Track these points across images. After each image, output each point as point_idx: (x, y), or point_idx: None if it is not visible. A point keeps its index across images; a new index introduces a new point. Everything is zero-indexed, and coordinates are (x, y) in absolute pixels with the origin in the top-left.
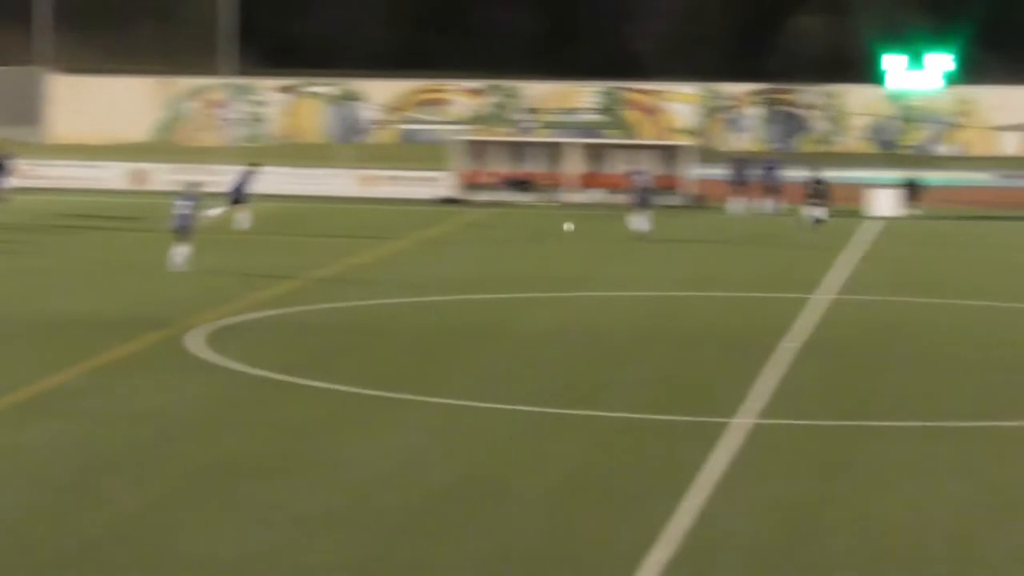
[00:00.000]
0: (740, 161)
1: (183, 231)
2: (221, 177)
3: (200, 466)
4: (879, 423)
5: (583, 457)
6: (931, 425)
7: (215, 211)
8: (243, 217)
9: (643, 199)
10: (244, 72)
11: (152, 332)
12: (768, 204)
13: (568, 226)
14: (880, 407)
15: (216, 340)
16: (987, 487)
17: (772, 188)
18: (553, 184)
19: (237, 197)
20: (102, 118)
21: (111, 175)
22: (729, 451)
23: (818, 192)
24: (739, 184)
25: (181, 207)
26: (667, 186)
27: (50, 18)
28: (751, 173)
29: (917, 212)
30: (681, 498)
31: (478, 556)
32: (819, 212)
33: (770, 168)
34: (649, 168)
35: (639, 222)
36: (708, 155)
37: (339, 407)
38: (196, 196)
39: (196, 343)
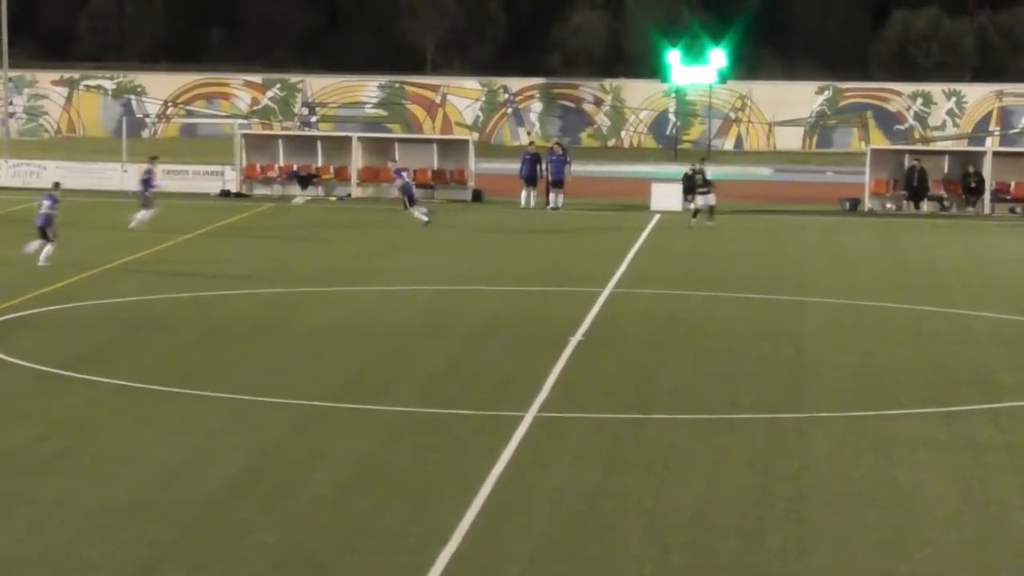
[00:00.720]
0: (531, 155)
1: (41, 230)
2: None
3: None
4: (663, 416)
5: (372, 452)
6: (715, 418)
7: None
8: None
9: (407, 194)
10: (20, 64)
11: None
12: (556, 198)
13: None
14: (664, 400)
15: None
16: (773, 479)
17: (558, 182)
18: (336, 178)
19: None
20: None
21: None
22: (516, 445)
23: (704, 182)
24: (528, 178)
25: (46, 207)
26: (452, 180)
27: None
28: (540, 167)
29: (696, 206)
30: (470, 492)
31: (266, 551)
32: (706, 200)
33: (542, 161)
34: (406, 164)
35: (418, 214)
36: (491, 150)
37: (123, 402)
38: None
39: None
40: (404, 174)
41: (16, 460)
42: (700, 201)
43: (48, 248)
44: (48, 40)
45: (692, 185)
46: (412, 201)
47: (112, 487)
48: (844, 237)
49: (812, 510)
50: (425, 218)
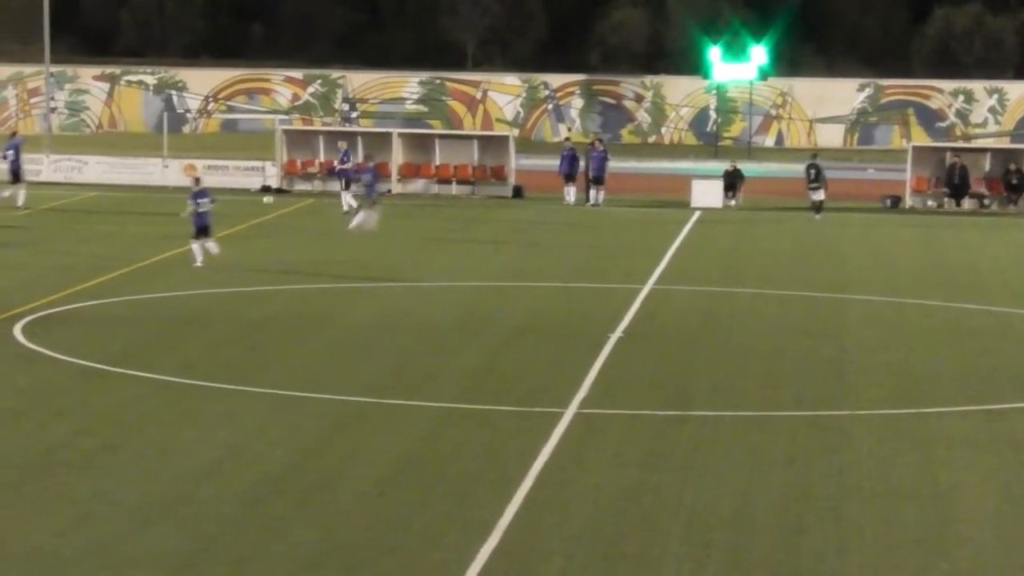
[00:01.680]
0: (571, 152)
1: (204, 229)
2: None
3: (22, 457)
4: (703, 413)
5: (411, 448)
6: (754, 415)
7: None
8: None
9: (347, 183)
10: (62, 60)
11: None
12: (596, 194)
13: (268, 200)
14: (704, 397)
15: (38, 330)
16: (812, 477)
17: (598, 179)
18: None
19: None
20: None
21: None
22: (556, 441)
23: (816, 177)
24: (568, 174)
25: (203, 204)
26: (492, 176)
27: None
28: (581, 164)
29: (736, 203)
30: (510, 488)
31: (305, 547)
32: (815, 195)
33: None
34: (350, 153)
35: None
36: (531, 146)
37: (164, 397)
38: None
39: (17, 333)
40: (346, 157)
41: (58, 455)
42: (813, 196)
43: (212, 245)
44: (90, 35)
45: (732, 181)
46: (348, 186)
47: (153, 483)
48: (885, 234)
49: (852, 508)
50: (353, 203)
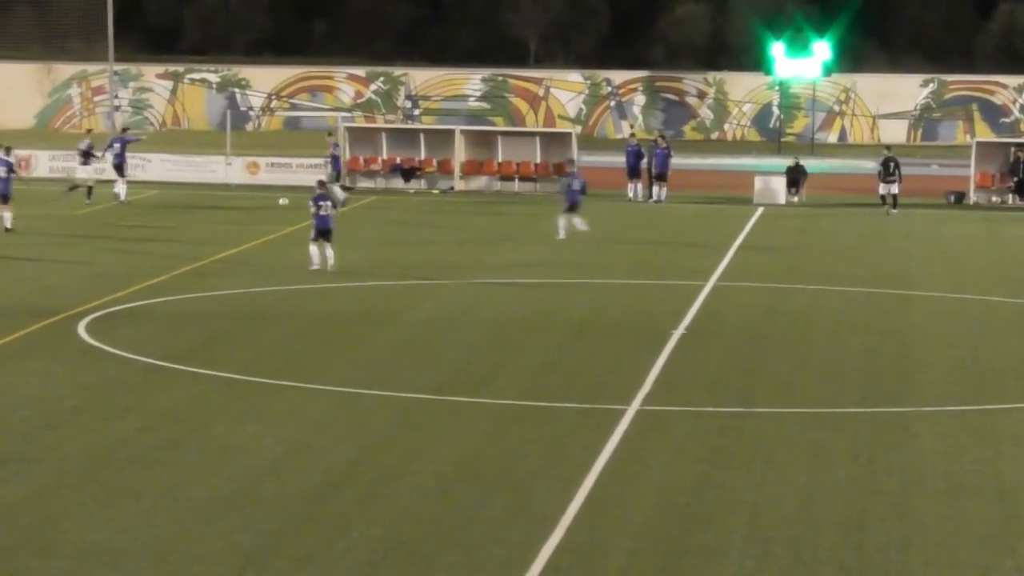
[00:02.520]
0: (636, 148)
1: (325, 232)
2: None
3: (87, 454)
4: (766, 409)
5: (475, 444)
6: (818, 411)
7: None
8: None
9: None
10: (126, 58)
11: (37, 320)
12: (659, 191)
13: (283, 201)
14: (767, 393)
15: (103, 328)
16: (876, 473)
17: (661, 175)
18: (439, 171)
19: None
20: None
21: None
22: (619, 438)
23: (892, 171)
24: (633, 171)
25: (324, 207)
26: (554, 173)
27: None
28: (645, 160)
29: (799, 200)
30: (573, 484)
31: (369, 543)
32: (889, 189)
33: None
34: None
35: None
36: (593, 142)
37: (227, 394)
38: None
39: (82, 331)
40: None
41: (122, 452)
42: (883, 189)
43: (329, 252)
44: (153, 34)
45: (795, 178)
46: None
47: (216, 479)
48: (949, 230)
49: (916, 504)
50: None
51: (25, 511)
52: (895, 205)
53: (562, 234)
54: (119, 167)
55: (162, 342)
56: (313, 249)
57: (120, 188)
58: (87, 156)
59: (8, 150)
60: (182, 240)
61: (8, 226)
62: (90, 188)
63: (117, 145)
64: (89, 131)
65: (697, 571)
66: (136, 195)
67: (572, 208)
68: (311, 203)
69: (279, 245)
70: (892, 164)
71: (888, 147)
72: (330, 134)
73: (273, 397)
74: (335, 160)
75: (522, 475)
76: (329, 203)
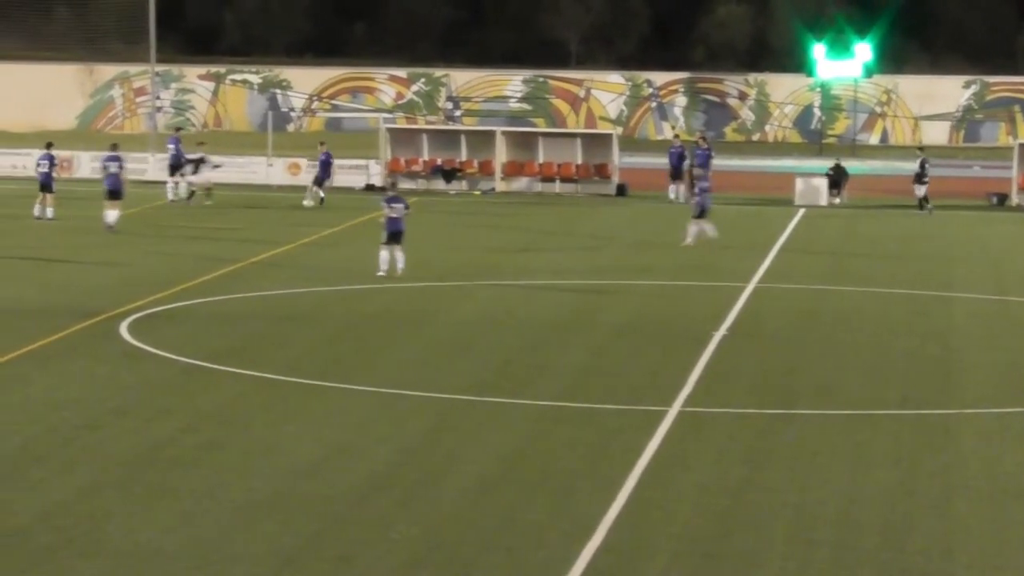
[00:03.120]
0: (679, 149)
1: (396, 235)
2: (142, 165)
3: (128, 454)
4: (808, 411)
5: (515, 445)
6: (859, 413)
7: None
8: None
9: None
10: (167, 59)
11: (79, 321)
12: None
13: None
14: (808, 395)
15: (144, 328)
16: (918, 475)
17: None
18: (480, 172)
19: None
20: (23, 106)
21: (34, 163)
22: (660, 439)
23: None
24: (676, 172)
25: (396, 209)
26: (596, 174)
27: None
28: (687, 162)
29: (840, 201)
30: (614, 486)
31: (409, 544)
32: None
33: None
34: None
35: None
36: (635, 144)
37: (268, 395)
38: (404, 200)
39: (123, 332)
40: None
41: (163, 452)
42: (924, 191)
43: (399, 255)
44: (195, 35)
45: (837, 179)
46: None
47: (257, 480)
48: (991, 232)
49: (958, 507)
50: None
51: (67, 511)
52: (922, 207)
53: (690, 240)
54: (175, 167)
55: (203, 343)
56: (384, 254)
57: (181, 186)
58: (198, 165)
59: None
60: (223, 241)
61: (110, 222)
62: (192, 193)
63: (172, 146)
64: (201, 144)
65: (738, 573)
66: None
67: (702, 214)
68: (384, 205)
69: (320, 246)
70: (928, 165)
71: (921, 148)
72: (322, 143)
73: (314, 398)
74: (325, 166)
75: (563, 476)
76: (401, 205)
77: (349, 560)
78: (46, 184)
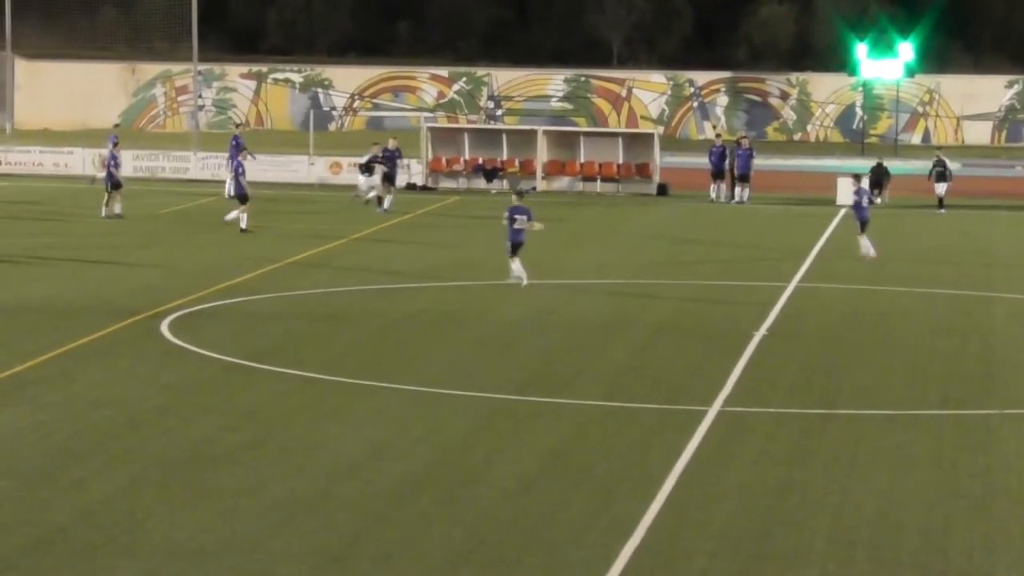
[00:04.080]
0: (721, 148)
1: (517, 247)
2: (184, 164)
3: (168, 453)
4: (848, 411)
5: (556, 445)
6: (900, 413)
7: None
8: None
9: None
10: (209, 58)
11: (120, 319)
12: (741, 192)
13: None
14: (849, 395)
15: (184, 327)
16: (959, 476)
17: (744, 176)
18: (522, 172)
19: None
20: (66, 104)
21: (77, 161)
22: (700, 439)
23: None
24: (718, 172)
25: (519, 220)
26: (637, 174)
27: (10, 2)
28: (728, 161)
29: (882, 201)
30: (654, 486)
31: (450, 543)
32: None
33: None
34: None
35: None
36: (676, 143)
37: (309, 394)
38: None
39: (164, 330)
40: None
41: (204, 451)
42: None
43: (517, 266)
44: (237, 34)
45: (879, 179)
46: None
47: (298, 479)
48: None
49: (1000, 507)
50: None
51: (108, 509)
52: (941, 205)
53: (872, 252)
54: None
55: (244, 341)
56: (515, 265)
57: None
58: (368, 168)
59: (115, 144)
60: (264, 239)
61: (243, 227)
62: (379, 198)
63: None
64: (376, 144)
65: (778, 574)
66: (220, 194)
67: (864, 226)
68: (507, 215)
69: (361, 245)
70: (943, 165)
71: (939, 148)
72: (375, 143)
73: (354, 397)
74: (390, 161)
75: (603, 476)
76: (525, 216)
77: (390, 559)
78: (115, 182)
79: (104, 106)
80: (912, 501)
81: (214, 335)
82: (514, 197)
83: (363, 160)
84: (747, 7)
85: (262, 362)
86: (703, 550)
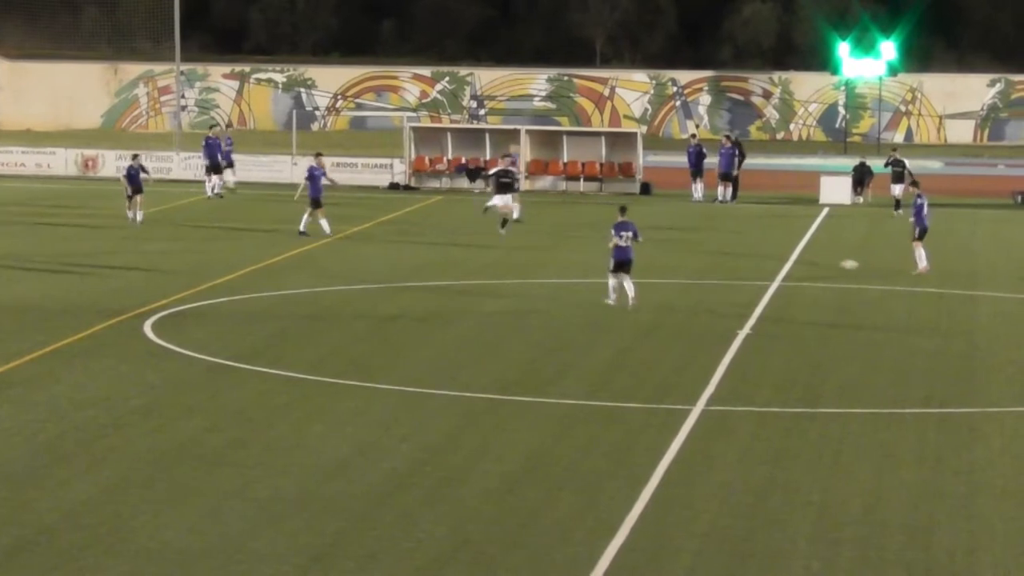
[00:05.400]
0: (697, 148)
1: (624, 264)
2: (166, 164)
3: (153, 453)
4: (832, 410)
5: (540, 444)
6: (884, 412)
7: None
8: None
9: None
10: (192, 58)
11: (104, 320)
12: (723, 191)
13: (850, 264)
14: (833, 394)
15: (168, 327)
16: (943, 475)
17: (727, 175)
18: None
19: None
20: (48, 104)
21: (59, 162)
22: (684, 438)
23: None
24: (696, 171)
25: (624, 237)
26: (620, 173)
27: None
28: (707, 161)
29: (864, 200)
30: (638, 485)
31: (434, 543)
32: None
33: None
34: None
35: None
36: (659, 142)
37: (293, 394)
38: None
39: (148, 331)
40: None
41: (188, 451)
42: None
43: (629, 285)
44: (220, 34)
45: (861, 177)
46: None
47: (282, 478)
48: (1015, 231)
49: (984, 506)
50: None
51: (93, 510)
52: (898, 206)
53: (925, 264)
54: (228, 166)
55: (228, 342)
56: (613, 282)
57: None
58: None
59: (317, 155)
60: (248, 239)
61: (327, 231)
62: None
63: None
64: (506, 155)
65: (763, 572)
66: (202, 195)
67: (922, 234)
68: (612, 231)
69: (344, 245)
70: (902, 165)
71: (895, 147)
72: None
73: (339, 397)
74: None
75: (588, 475)
76: (630, 233)
77: (375, 558)
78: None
79: (86, 106)
80: (896, 499)
81: (198, 335)
82: (618, 213)
83: (490, 172)
84: (730, 6)
85: (246, 362)
86: (688, 549)
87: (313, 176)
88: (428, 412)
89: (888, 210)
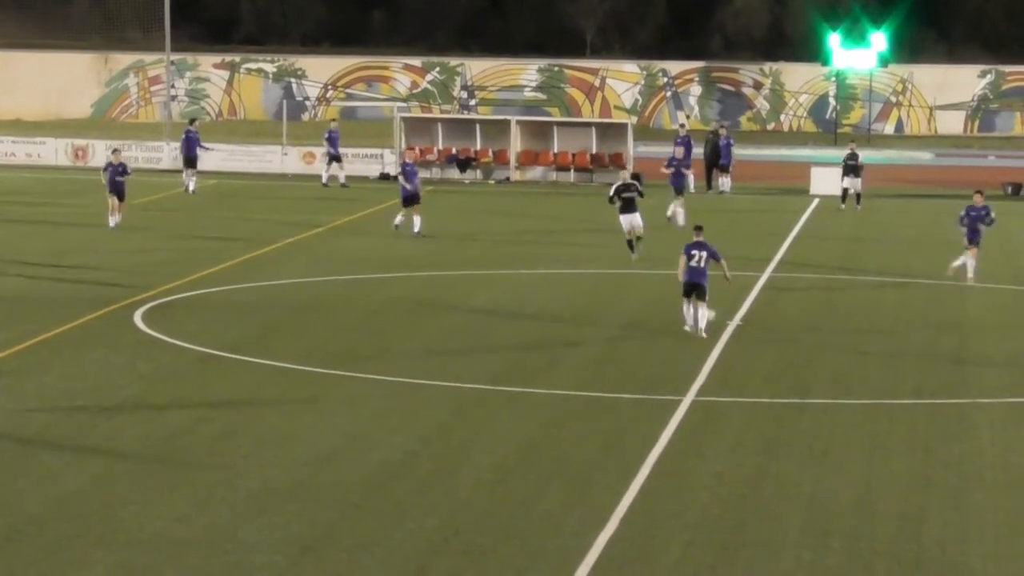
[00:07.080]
0: (686, 139)
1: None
2: (157, 154)
3: (143, 443)
4: (822, 401)
5: (531, 435)
6: (874, 403)
7: None
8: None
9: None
10: (183, 48)
11: (93, 309)
12: (723, 182)
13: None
14: (823, 385)
15: (158, 317)
16: (933, 465)
17: (723, 166)
18: (495, 162)
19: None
20: (38, 94)
21: (50, 151)
22: (674, 429)
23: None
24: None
25: (696, 258)
26: (610, 164)
27: None
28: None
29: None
30: (629, 475)
31: (425, 533)
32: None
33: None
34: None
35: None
36: (649, 133)
37: (283, 384)
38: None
39: (138, 320)
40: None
41: (178, 441)
42: (847, 183)
43: (706, 312)
44: (210, 23)
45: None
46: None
47: (272, 469)
48: (1006, 222)
49: (973, 497)
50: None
51: (83, 500)
52: (859, 201)
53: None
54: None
55: (218, 332)
56: (686, 307)
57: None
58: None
59: (410, 149)
60: (238, 229)
61: (416, 229)
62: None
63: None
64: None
65: (753, 563)
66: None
67: (973, 240)
68: (683, 252)
69: (335, 235)
70: (855, 159)
71: (853, 139)
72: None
73: (329, 387)
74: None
75: (578, 466)
76: (705, 253)
77: (366, 548)
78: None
79: (77, 96)
80: (886, 490)
81: (188, 326)
82: (694, 232)
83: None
84: None
85: (236, 352)
86: (678, 539)
87: (406, 172)
88: (419, 403)
89: (865, 202)
